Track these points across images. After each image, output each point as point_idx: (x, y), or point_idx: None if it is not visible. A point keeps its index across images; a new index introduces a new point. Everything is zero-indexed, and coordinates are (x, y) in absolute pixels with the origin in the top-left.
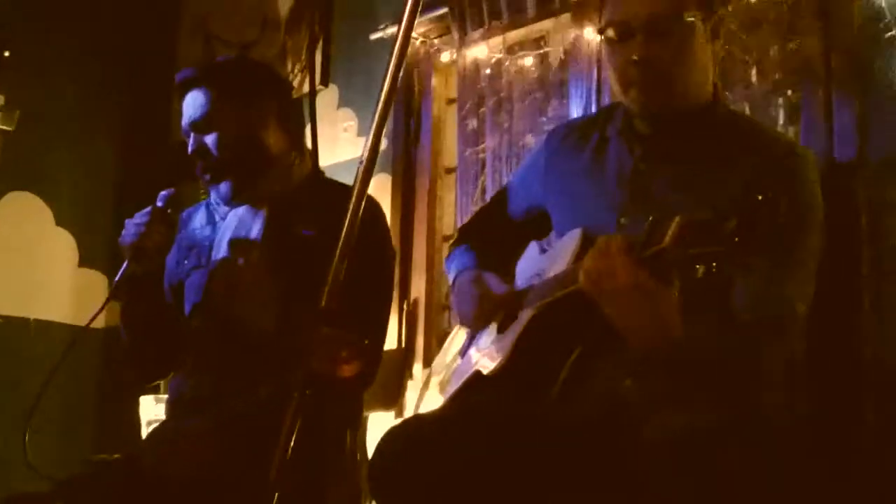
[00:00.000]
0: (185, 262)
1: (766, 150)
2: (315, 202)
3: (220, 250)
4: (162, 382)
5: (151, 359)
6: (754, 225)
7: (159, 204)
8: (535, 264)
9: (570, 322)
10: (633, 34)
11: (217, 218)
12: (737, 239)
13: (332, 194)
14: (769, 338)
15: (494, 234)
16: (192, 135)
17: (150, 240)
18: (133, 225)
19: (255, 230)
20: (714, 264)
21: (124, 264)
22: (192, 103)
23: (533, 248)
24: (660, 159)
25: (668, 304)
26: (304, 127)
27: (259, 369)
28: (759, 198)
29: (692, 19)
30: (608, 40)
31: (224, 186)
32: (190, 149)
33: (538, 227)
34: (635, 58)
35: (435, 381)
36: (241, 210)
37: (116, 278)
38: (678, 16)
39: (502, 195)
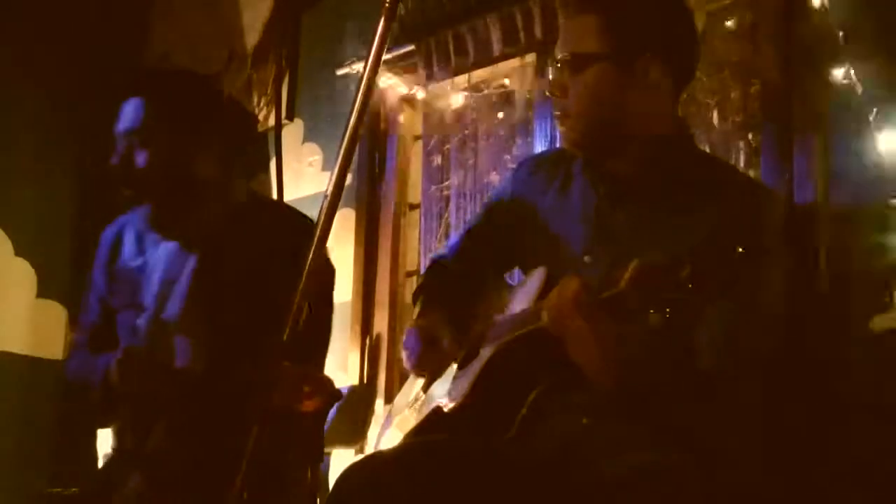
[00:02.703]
0: (117, 294)
1: (731, 193)
2: (249, 235)
3: (150, 292)
4: None
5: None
6: (708, 273)
7: None
8: (498, 301)
9: (531, 360)
10: (559, 67)
11: (147, 245)
12: (691, 286)
13: (267, 221)
14: (725, 383)
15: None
16: (122, 142)
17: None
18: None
19: (185, 275)
20: (668, 310)
21: None
22: (130, 111)
23: (498, 283)
24: (624, 197)
25: (624, 344)
26: (268, 160)
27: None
28: (715, 247)
29: (604, 62)
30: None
31: (144, 209)
32: (116, 158)
33: (506, 257)
34: (552, 90)
35: (396, 416)
36: (171, 247)
37: None
38: (589, 57)
39: (481, 215)
